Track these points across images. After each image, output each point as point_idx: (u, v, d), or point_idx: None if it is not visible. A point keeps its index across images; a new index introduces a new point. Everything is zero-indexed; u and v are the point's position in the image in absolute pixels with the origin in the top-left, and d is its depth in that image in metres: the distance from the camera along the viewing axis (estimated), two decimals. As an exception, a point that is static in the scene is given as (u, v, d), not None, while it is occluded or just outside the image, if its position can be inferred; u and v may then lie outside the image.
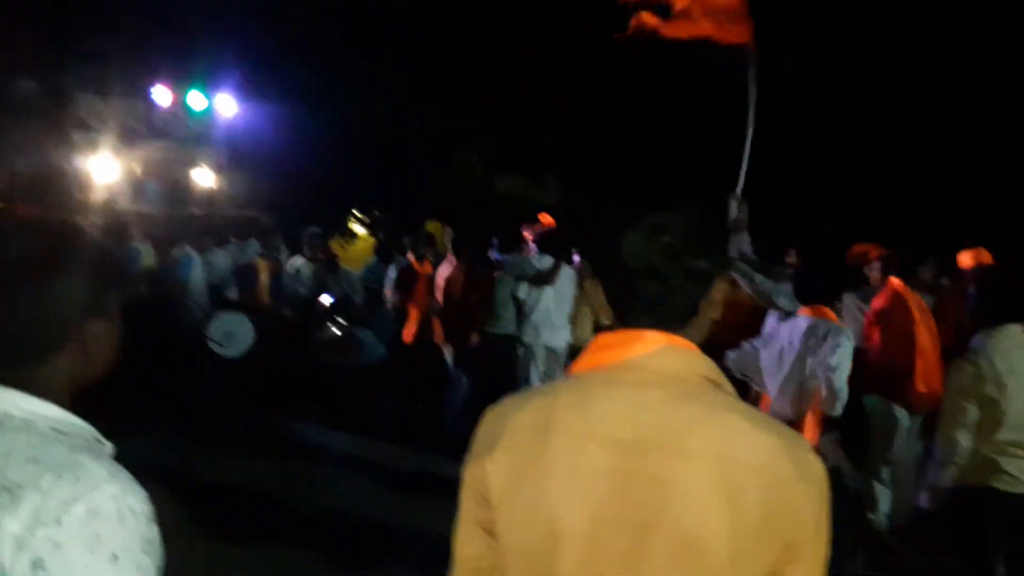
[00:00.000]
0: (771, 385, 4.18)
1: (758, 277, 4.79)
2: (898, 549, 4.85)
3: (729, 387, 1.26)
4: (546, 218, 7.53)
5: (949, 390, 3.74)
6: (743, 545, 1.12)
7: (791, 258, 6.07)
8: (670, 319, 1.26)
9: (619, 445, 1.17)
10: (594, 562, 1.15)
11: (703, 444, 1.15)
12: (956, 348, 4.06)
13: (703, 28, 3.58)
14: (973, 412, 3.59)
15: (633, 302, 1.27)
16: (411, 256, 7.81)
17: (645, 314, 1.26)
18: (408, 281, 7.53)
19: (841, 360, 4.12)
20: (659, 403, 1.18)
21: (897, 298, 5.07)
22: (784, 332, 4.30)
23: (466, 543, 1.27)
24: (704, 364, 1.25)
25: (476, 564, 1.26)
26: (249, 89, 11.87)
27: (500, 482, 1.21)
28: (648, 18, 3.51)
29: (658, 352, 1.23)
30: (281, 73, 12.64)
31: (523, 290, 6.68)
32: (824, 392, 4.12)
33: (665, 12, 3.60)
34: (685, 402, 1.19)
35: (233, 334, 7.21)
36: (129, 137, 10.80)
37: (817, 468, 1.18)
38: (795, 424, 4.02)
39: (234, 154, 12.07)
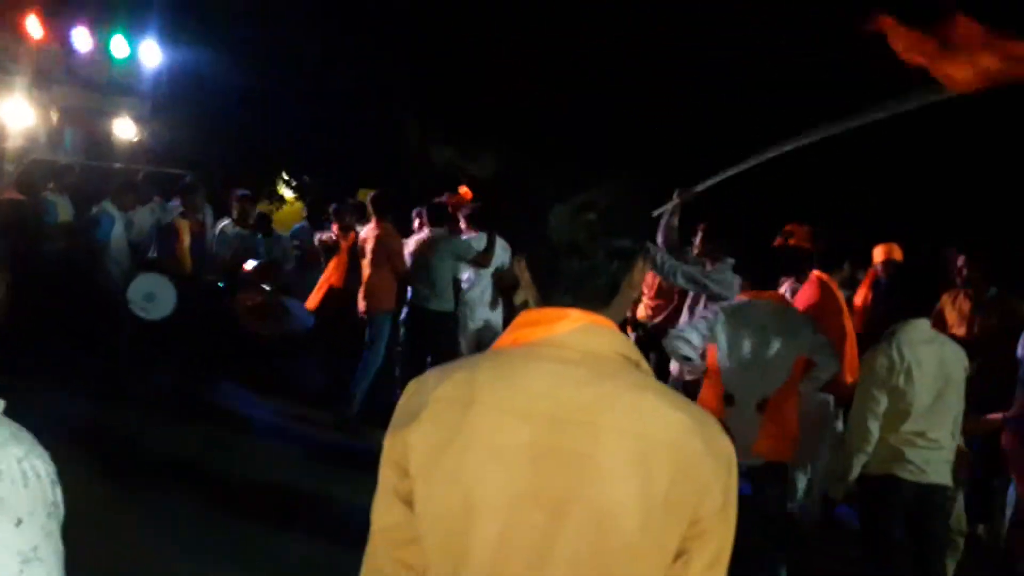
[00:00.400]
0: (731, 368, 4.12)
1: (660, 255, 4.89)
2: (809, 538, 5.03)
3: (646, 366, 1.29)
4: (465, 191, 7.43)
5: (862, 380, 3.88)
6: (653, 520, 1.16)
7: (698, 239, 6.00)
8: (592, 297, 1.28)
9: (538, 420, 1.19)
10: (510, 536, 1.17)
11: (618, 421, 1.18)
12: (867, 340, 4.23)
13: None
14: (884, 402, 3.71)
15: (556, 280, 1.28)
16: (334, 226, 7.58)
17: (568, 292, 1.28)
18: (328, 250, 7.38)
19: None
20: (578, 380, 1.21)
21: (824, 289, 5.21)
22: None
23: (384, 514, 1.27)
24: (623, 343, 1.28)
25: (394, 535, 1.26)
26: (177, 38, 11.39)
27: (420, 454, 1.22)
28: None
29: (579, 330, 1.25)
30: (211, 23, 12.14)
31: (461, 269, 6.66)
32: None
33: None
34: (603, 380, 1.21)
35: (154, 296, 7.00)
36: (45, 82, 10.23)
37: (726, 446, 1.23)
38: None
39: (158, 106, 11.58)
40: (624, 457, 1.16)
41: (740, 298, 4.23)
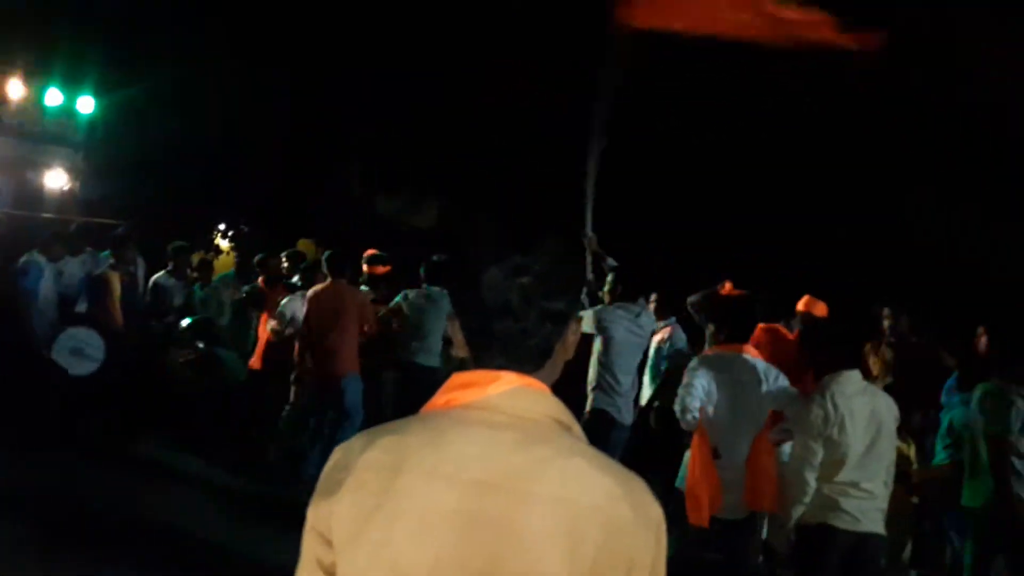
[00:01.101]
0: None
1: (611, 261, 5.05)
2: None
3: (578, 430, 1.28)
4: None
5: (797, 431, 3.95)
6: None
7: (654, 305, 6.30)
8: (524, 360, 1.27)
9: (467, 486, 1.16)
10: None
11: (546, 487, 1.16)
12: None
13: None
14: (820, 452, 3.77)
15: (489, 341, 1.28)
16: (260, 278, 7.38)
17: (500, 354, 1.27)
18: (256, 302, 7.19)
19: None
20: (508, 444, 1.19)
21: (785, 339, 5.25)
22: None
23: None
24: (555, 406, 1.26)
25: None
26: (112, 89, 11.22)
27: (345, 524, 1.18)
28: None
29: (511, 393, 1.24)
30: (147, 74, 12.01)
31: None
32: None
33: None
34: (533, 444, 1.19)
35: (82, 350, 6.79)
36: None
37: (656, 513, 1.22)
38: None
39: (92, 156, 11.34)
40: (551, 524, 1.14)
41: (715, 352, 4.27)
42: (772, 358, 4.87)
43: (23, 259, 7.11)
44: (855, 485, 3.80)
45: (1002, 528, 4.31)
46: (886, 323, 5.75)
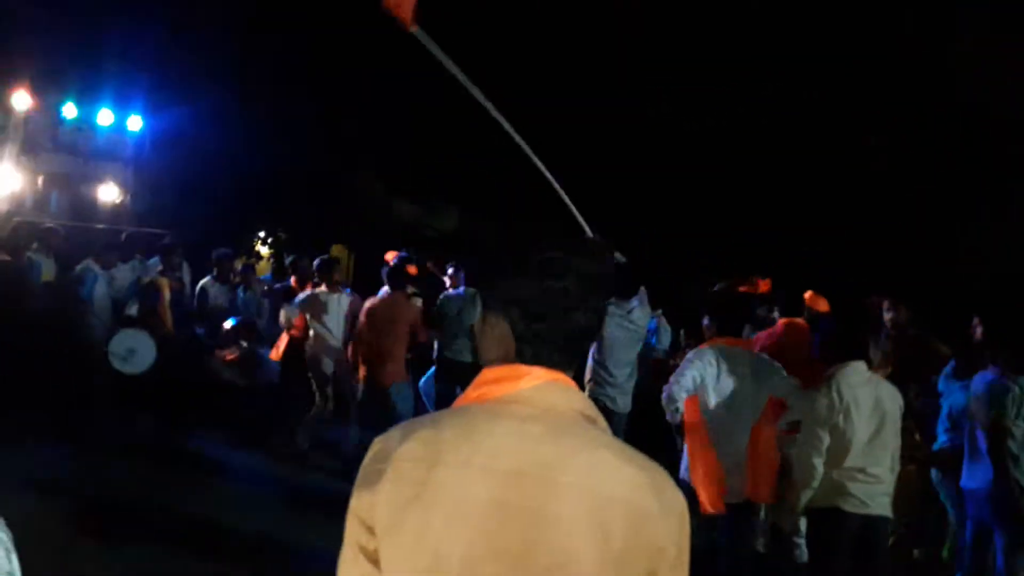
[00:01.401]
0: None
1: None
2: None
3: (603, 423, 1.26)
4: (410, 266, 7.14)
5: (805, 419, 3.90)
6: (609, 574, 1.13)
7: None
8: (560, 357, 1.26)
9: (500, 477, 1.15)
10: None
11: (575, 477, 1.15)
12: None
13: None
14: (827, 440, 3.74)
15: (531, 339, 1.25)
16: (293, 278, 7.39)
17: (539, 351, 1.25)
18: (288, 301, 7.16)
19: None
20: (538, 437, 1.17)
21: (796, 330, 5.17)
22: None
23: (350, 570, 1.21)
24: (581, 400, 1.25)
25: None
26: (158, 107, 11.33)
27: (385, 512, 1.16)
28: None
29: (541, 387, 1.22)
30: (190, 92, 12.13)
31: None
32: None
33: None
34: (562, 437, 1.18)
35: (135, 351, 6.84)
36: (34, 150, 10.09)
37: (679, 501, 1.21)
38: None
39: (141, 170, 11.47)
40: (580, 512, 1.14)
41: (716, 344, 4.14)
42: (790, 351, 4.82)
43: (79, 267, 7.17)
44: (862, 470, 3.77)
45: (999, 508, 4.24)
46: (886, 315, 5.67)
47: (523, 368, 1.24)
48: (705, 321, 4.30)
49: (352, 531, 1.21)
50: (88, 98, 10.46)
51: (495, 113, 3.81)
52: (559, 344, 1.25)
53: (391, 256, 6.94)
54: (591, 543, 1.12)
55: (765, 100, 12.04)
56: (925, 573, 5.31)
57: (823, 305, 5.85)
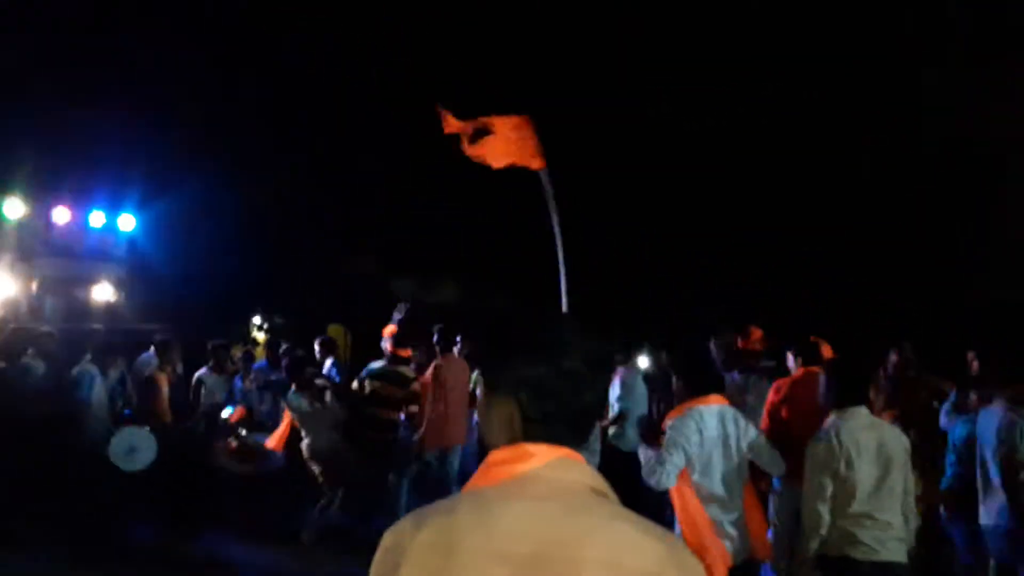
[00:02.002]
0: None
1: None
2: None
3: (614, 496, 1.26)
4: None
5: (809, 468, 3.86)
6: None
7: None
8: (569, 439, 1.27)
9: (519, 560, 1.15)
10: None
11: (596, 553, 1.15)
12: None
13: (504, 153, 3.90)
14: (830, 486, 3.72)
15: (534, 420, 1.27)
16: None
17: (542, 430, 1.27)
18: (282, 391, 7.13)
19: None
20: (554, 516, 1.18)
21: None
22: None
23: None
24: (592, 476, 1.27)
25: None
26: (148, 204, 11.55)
27: None
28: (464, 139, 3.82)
29: (551, 465, 1.24)
30: (180, 186, 12.39)
31: None
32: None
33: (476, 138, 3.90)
34: (578, 513, 1.19)
35: (136, 448, 6.81)
36: (27, 255, 10.24)
37: (699, 569, 1.22)
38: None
39: (135, 267, 11.61)
40: None
41: (694, 406, 3.95)
42: (804, 399, 4.78)
43: (76, 370, 7.20)
44: (868, 516, 3.72)
45: (1019, 543, 4.19)
46: (892, 359, 5.77)
47: (532, 447, 1.26)
48: (677, 382, 4.12)
49: None
50: (79, 201, 10.65)
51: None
52: (569, 423, 1.28)
53: (389, 331, 6.99)
54: None
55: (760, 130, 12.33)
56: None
57: (826, 351, 5.88)
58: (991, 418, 4.39)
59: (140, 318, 10.25)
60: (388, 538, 1.24)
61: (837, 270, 12.21)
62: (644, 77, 13.32)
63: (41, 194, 10.33)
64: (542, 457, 1.24)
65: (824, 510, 3.72)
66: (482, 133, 3.87)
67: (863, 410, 3.85)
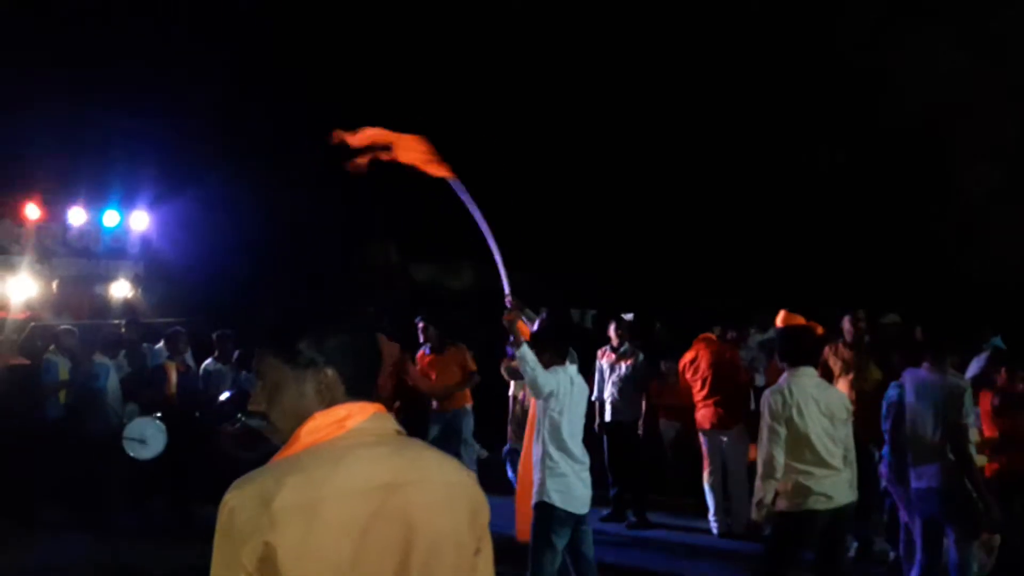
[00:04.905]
0: None
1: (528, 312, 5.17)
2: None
3: (410, 438, 1.57)
4: None
5: (764, 417, 4.10)
6: (462, 538, 1.50)
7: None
8: (371, 393, 1.56)
9: (379, 492, 1.42)
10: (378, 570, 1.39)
11: (433, 473, 1.51)
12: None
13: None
14: (783, 432, 4.05)
15: (348, 384, 1.52)
16: None
17: (360, 391, 1.53)
18: None
19: None
20: (390, 455, 1.47)
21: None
22: None
23: None
24: (396, 424, 1.56)
25: None
26: (162, 201, 11.96)
27: (289, 551, 1.31)
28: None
29: (371, 419, 1.51)
30: (193, 180, 12.76)
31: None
32: None
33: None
34: (405, 450, 1.51)
35: (147, 437, 7.11)
36: (46, 256, 10.73)
37: (477, 484, 1.59)
38: None
39: (150, 263, 12.06)
40: (440, 498, 1.49)
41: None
42: None
43: (89, 363, 7.59)
44: (820, 463, 4.01)
45: (951, 505, 4.33)
46: (846, 327, 6.07)
47: (352, 406, 1.50)
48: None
49: (238, 570, 1.32)
50: (94, 201, 11.10)
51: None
52: (373, 382, 1.58)
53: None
54: (448, 520, 1.47)
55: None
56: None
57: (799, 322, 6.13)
58: (929, 384, 4.48)
59: (156, 313, 10.67)
60: (241, 501, 1.36)
61: (794, 242, 12.36)
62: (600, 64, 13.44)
63: (57, 196, 10.79)
64: (363, 413, 1.50)
65: (779, 454, 4.03)
66: (384, 148, 4.21)
67: (811, 371, 4.23)
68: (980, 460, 5.21)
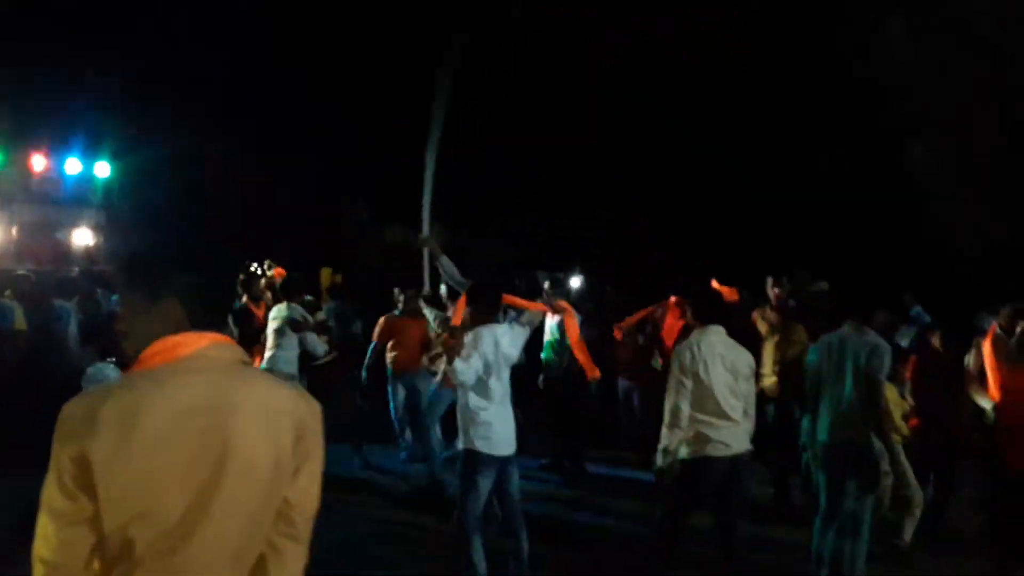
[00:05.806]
0: None
1: (444, 260, 5.36)
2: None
3: (256, 366, 1.75)
4: None
5: (672, 370, 4.38)
6: (282, 460, 1.62)
7: None
8: (219, 323, 1.72)
9: (196, 411, 1.54)
10: (187, 491, 1.54)
11: (251, 399, 1.61)
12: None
13: None
14: (689, 384, 4.32)
15: (197, 314, 1.68)
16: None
17: (207, 321, 1.69)
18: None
19: None
20: (219, 380, 1.60)
21: None
22: None
23: (62, 501, 1.48)
24: (241, 353, 1.69)
25: (72, 518, 1.48)
26: (125, 153, 11.92)
27: (100, 455, 1.45)
28: None
29: (212, 346, 1.64)
30: (159, 132, 12.68)
31: None
32: None
33: None
34: (235, 377, 1.63)
35: (108, 379, 7.25)
36: (6, 201, 10.74)
37: (316, 405, 1.73)
38: None
39: (112, 212, 12.06)
40: (257, 424, 1.59)
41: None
42: None
43: (49, 306, 7.68)
44: (721, 415, 4.29)
45: (854, 459, 4.63)
46: (771, 291, 6.34)
47: (195, 335, 1.63)
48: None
49: (64, 471, 1.46)
50: (56, 148, 11.07)
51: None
52: (221, 314, 1.77)
53: None
54: (267, 444, 1.59)
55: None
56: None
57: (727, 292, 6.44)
58: (849, 342, 4.71)
59: (116, 261, 10.73)
60: (73, 407, 1.50)
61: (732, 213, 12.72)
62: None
63: (18, 142, 10.75)
64: (200, 341, 1.62)
65: (684, 404, 4.29)
66: None
67: (720, 329, 4.46)
68: (903, 429, 5.55)
